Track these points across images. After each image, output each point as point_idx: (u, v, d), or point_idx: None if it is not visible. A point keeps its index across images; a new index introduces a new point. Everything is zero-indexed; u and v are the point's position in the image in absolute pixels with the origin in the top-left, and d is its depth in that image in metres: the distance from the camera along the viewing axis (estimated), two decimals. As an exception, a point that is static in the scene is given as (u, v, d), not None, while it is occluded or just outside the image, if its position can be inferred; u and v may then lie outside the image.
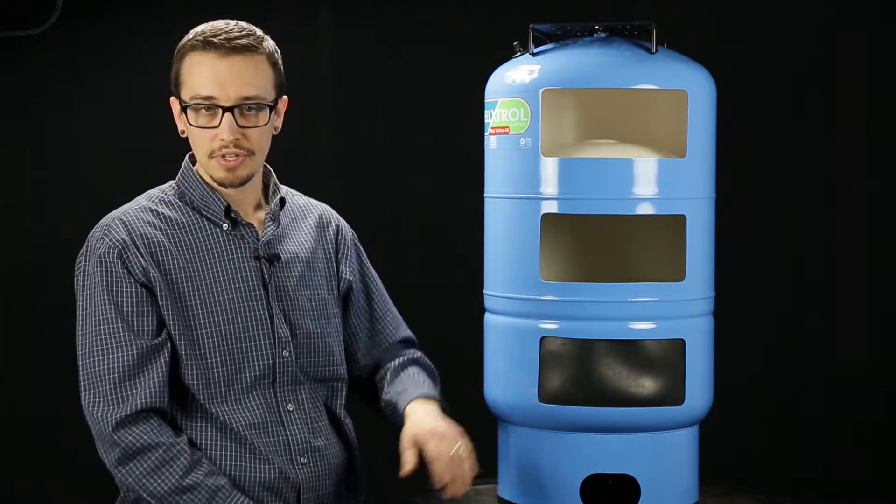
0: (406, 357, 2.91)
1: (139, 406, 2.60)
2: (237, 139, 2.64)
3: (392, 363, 2.89)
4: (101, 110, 4.62)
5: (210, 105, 2.64)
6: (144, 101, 4.57)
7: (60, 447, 4.63)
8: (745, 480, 4.12)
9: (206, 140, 2.66)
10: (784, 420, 4.38)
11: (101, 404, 2.60)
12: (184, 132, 2.71)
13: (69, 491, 4.64)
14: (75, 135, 4.64)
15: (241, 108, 2.64)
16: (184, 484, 2.59)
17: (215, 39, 2.63)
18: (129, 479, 2.61)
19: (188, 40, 2.68)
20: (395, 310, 2.98)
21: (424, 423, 2.70)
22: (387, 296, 2.96)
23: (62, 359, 4.51)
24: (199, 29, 2.68)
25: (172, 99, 2.72)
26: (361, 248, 2.93)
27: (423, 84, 4.53)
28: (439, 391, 2.88)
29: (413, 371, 2.88)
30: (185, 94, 2.66)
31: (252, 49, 2.66)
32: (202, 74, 2.64)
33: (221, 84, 2.63)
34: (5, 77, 4.63)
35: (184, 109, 2.66)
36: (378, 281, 2.95)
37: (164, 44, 4.59)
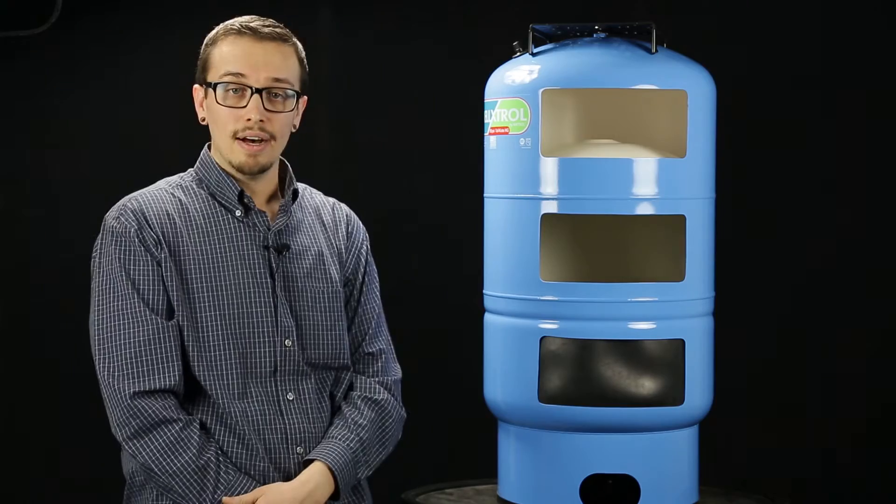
0: (362, 395, 2.80)
1: (158, 386, 2.63)
2: (262, 121, 2.68)
3: (350, 397, 2.82)
4: (101, 110, 4.62)
5: (239, 85, 2.69)
6: (144, 101, 4.58)
7: (60, 447, 4.63)
8: (745, 480, 4.12)
9: (232, 120, 2.70)
10: (784, 420, 4.38)
11: (120, 377, 2.63)
12: (204, 119, 2.76)
13: (69, 491, 4.64)
14: (75, 135, 4.63)
15: (270, 91, 2.70)
16: (199, 463, 2.62)
17: (251, 25, 2.72)
18: (143, 455, 2.62)
19: (222, 29, 2.75)
20: (379, 318, 2.90)
21: (275, 491, 2.66)
22: (376, 303, 2.90)
23: (62, 359, 4.52)
24: (231, 21, 2.76)
25: (196, 87, 2.77)
26: (370, 252, 2.91)
27: (423, 84, 4.53)
28: (376, 444, 2.78)
29: (353, 418, 2.77)
30: (214, 75, 2.72)
31: (285, 39, 2.74)
32: (234, 55, 2.70)
33: (253, 65, 2.70)
34: (5, 77, 4.63)
35: (213, 87, 2.70)
36: (371, 287, 2.90)
37: (163, 43, 4.61)
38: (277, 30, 2.74)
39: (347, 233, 2.88)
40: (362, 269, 2.88)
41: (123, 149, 4.58)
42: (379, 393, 2.81)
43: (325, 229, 2.85)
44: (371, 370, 2.84)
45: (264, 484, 2.67)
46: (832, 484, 4.38)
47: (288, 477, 2.70)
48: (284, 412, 2.71)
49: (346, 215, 2.91)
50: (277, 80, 2.70)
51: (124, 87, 4.60)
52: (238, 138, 2.70)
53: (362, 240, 2.90)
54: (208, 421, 2.68)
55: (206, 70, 2.74)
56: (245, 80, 2.69)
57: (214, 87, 2.70)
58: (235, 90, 2.69)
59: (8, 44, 4.54)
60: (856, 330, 4.33)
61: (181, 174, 2.81)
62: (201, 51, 2.77)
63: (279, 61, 2.72)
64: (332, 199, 2.93)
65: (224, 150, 2.73)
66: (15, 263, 4.67)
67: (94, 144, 4.62)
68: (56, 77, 4.63)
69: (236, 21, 2.74)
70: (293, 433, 2.71)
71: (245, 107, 2.69)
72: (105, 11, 4.59)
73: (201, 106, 2.76)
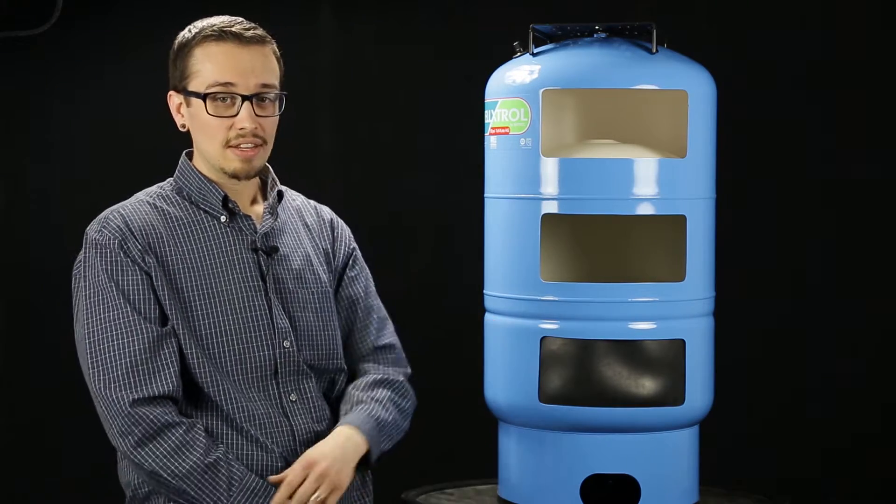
0: (376, 377, 2.83)
1: (157, 392, 2.59)
2: (255, 128, 2.65)
3: (362, 380, 2.83)
4: (101, 110, 4.62)
5: (228, 94, 2.65)
6: (144, 101, 4.58)
7: (61, 447, 4.63)
8: (745, 480, 4.12)
9: (223, 129, 2.66)
10: (784, 420, 4.38)
11: (117, 387, 2.59)
12: (184, 126, 2.73)
13: (69, 491, 4.64)
14: (75, 135, 4.64)
15: (259, 96, 2.66)
16: (207, 461, 2.59)
17: (231, 30, 2.66)
18: (150, 461, 2.58)
19: (198, 33, 2.68)
20: (382, 313, 2.92)
21: (314, 449, 2.67)
22: (374, 298, 2.91)
23: (62, 358, 4.52)
24: (204, 24, 2.70)
25: (172, 94, 2.73)
26: (357, 248, 2.93)
27: (423, 84, 4.53)
28: (397, 416, 2.79)
29: (369, 395, 2.79)
30: (199, 85, 2.66)
31: (265, 41, 2.70)
32: (220, 63, 2.65)
33: (242, 72, 2.65)
34: (5, 77, 4.63)
35: (203, 98, 2.65)
36: (368, 282, 2.91)
37: (164, 43, 4.61)
38: (258, 32, 2.68)
39: (333, 236, 2.88)
40: (357, 268, 2.88)
41: (123, 149, 4.59)
42: (396, 376, 2.83)
43: (310, 231, 2.84)
44: (387, 360, 2.86)
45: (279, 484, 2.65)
46: (832, 484, 4.38)
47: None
48: (289, 413, 2.70)
49: (331, 217, 2.91)
50: (265, 84, 2.67)
51: (124, 87, 4.60)
52: (231, 146, 2.67)
53: (349, 240, 2.91)
54: (218, 425, 2.66)
55: (185, 78, 2.68)
56: (234, 88, 2.64)
57: (204, 97, 2.65)
58: (224, 98, 2.65)
59: (8, 44, 4.54)
60: (856, 330, 4.33)
61: (160, 184, 2.78)
62: (173, 54, 2.71)
63: (265, 65, 2.68)
64: (313, 202, 2.92)
65: (215, 159, 2.70)
66: (15, 263, 4.67)
67: (94, 144, 4.62)
68: (56, 77, 4.63)
69: (212, 24, 2.68)
70: (300, 434, 2.70)
71: (236, 115, 2.65)
72: (105, 11, 4.59)
73: (179, 112, 2.72)
